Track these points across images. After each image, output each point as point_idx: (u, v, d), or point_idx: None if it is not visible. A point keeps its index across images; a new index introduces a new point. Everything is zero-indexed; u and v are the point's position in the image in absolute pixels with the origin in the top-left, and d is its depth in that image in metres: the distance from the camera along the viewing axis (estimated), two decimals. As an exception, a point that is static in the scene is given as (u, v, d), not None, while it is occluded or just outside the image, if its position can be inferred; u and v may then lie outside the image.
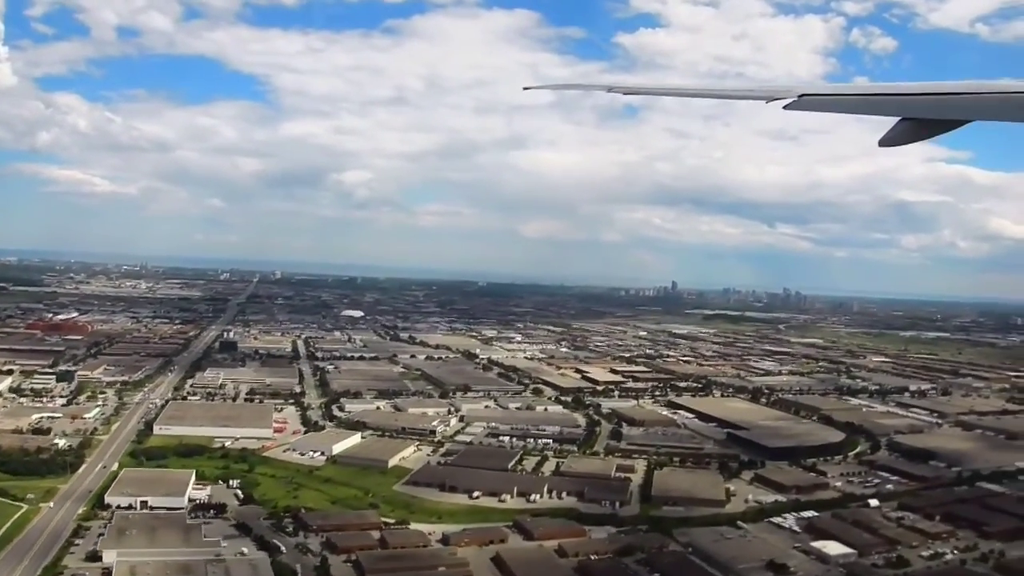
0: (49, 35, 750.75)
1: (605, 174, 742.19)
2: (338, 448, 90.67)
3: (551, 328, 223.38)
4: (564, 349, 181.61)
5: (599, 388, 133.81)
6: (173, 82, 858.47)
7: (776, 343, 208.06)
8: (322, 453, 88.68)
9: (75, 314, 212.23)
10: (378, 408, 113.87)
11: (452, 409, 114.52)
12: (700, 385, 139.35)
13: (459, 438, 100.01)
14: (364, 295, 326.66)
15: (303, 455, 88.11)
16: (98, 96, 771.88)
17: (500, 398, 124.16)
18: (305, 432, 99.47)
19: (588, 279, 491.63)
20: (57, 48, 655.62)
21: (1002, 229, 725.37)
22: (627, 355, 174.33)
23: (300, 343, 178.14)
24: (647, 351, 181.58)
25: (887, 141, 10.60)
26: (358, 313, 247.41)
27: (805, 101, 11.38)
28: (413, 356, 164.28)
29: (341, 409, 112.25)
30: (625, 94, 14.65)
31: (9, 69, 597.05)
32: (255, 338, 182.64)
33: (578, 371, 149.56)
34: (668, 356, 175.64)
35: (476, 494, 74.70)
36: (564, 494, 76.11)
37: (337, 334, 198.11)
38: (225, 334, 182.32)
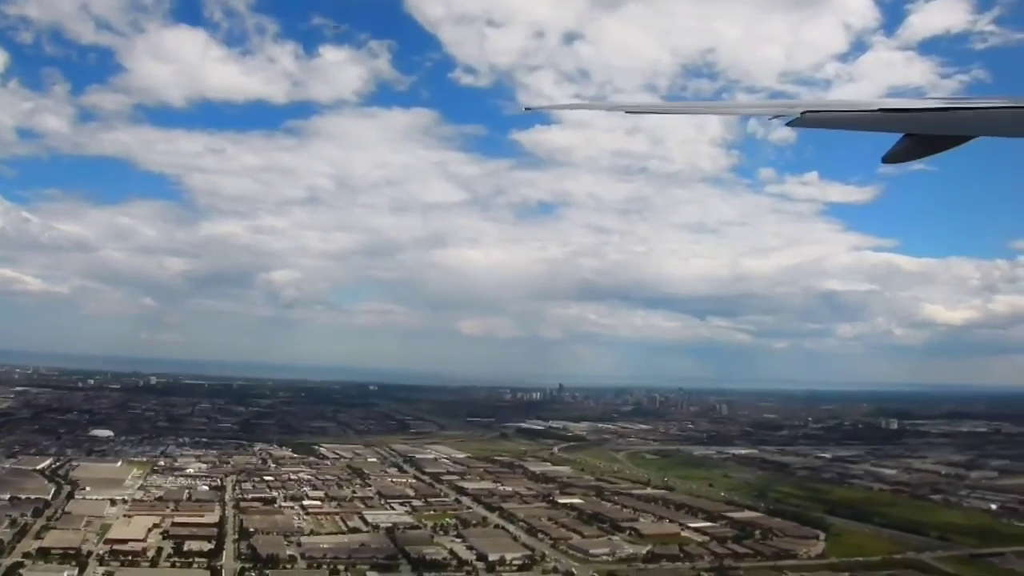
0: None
1: (531, 271, 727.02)
2: None
3: (278, 453, 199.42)
4: (204, 487, 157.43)
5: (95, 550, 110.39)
6: (85, 182, 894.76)
7: (504, 473, 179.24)
8: None
9: None
10: None
11: None
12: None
13: None
14: (197, 404, 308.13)
15: None
16: (13, 196, 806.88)
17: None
18: None
19: (517, 378, 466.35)
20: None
21: (935, 315, 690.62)
22: (254, 497, 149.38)
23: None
24: (289, 492, 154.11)
25: (892, 158, 10.79)
26: (106, 433, 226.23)
27: (808, 118, 11.61)
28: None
29: None
30: (627, 112, 15.54)
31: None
32: None
33: (127, 519, 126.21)
34: (305, 499, 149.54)
35: None
36: None
37: (8, 463, 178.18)
38: None
